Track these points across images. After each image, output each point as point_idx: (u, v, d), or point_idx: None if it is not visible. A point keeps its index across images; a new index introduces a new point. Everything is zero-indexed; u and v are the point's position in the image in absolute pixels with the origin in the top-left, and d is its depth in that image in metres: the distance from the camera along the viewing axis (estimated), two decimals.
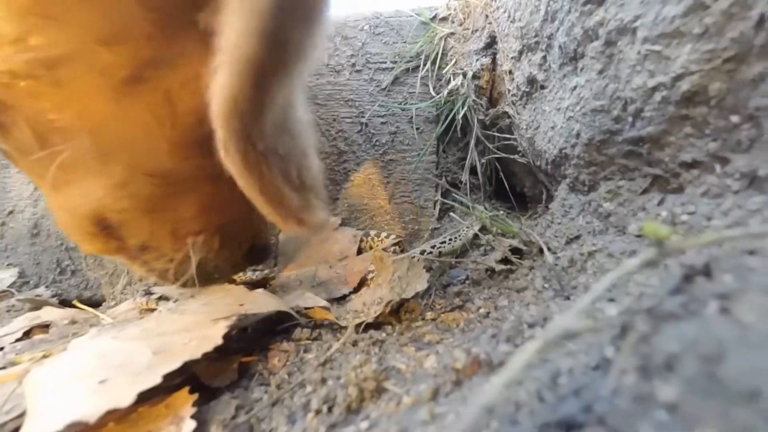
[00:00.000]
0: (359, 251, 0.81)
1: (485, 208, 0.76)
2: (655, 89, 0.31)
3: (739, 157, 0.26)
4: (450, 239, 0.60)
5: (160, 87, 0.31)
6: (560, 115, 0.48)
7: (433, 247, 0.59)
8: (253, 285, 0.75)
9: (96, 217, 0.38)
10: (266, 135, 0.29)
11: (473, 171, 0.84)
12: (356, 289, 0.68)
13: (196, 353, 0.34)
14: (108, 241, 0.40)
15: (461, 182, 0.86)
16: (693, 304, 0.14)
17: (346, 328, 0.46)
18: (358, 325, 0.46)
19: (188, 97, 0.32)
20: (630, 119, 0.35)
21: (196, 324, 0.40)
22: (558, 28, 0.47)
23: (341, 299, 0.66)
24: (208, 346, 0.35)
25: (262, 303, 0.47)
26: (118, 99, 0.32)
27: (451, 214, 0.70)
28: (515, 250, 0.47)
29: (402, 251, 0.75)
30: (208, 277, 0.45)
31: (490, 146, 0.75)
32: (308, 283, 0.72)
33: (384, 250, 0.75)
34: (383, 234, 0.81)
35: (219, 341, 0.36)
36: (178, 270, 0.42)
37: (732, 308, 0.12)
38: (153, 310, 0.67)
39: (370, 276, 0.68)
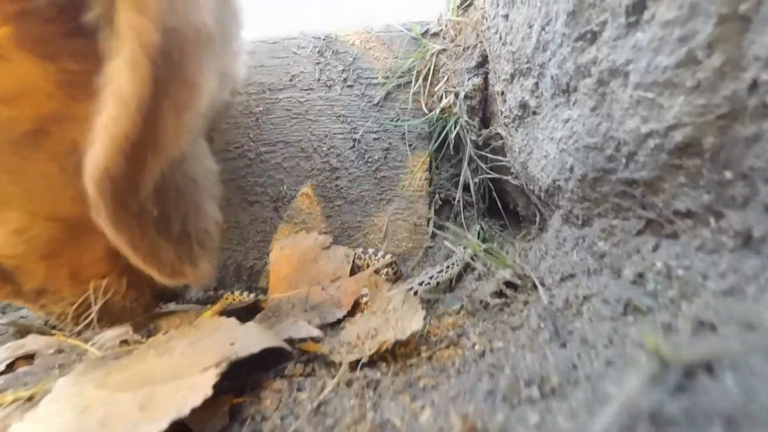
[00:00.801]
0: (354, 270, 0.80)
1: (480, 227, 0.75)
2: (648, 135, 0.31)
3: (734, 213, 0.26)
4: (447, 266, 0.60)
5: (66, 138, 0.32)
6: (553, 145, 0.48)
7: (431, 278, 0.58)
8: (245, 309, 0.74)
9: None
10: (140, 197, 0.32)
11: (466, 188, 0.83)
12: (350, 312, 0.67)
13: (184, 409, 0.33)
14: (2, 285, 0.41)
15: (454, 199, 0.85)
16: (698, 418, 0.13)
17: (340, 364, 0.46)
18: (352, 363, 0.45)
19: None
20: (623, 160, 0.35)
21: (185, 370, 0.39)
22: (550, 59, 0.47)
23: (335, 324, 0.65)
24: (197, 399, 0.34)
25: (253, 340, 0.46)
26: (18, 151, 0.33)
27: (445, 242, 0.70)
28: (509, 283, 0.46)
29: (396, 273, 0.75)
30: (115, 319, 0.46)
31: (484, 166, 0.75)
32: (301, 307, 0.71)
33: (377, 270, 0.74)
34: (380, 253, 0.80)
35: (209, 392, 0.35)
36: (78, 313, 0.43)
37: None
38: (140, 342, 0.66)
39: (364, 300, 0.68)
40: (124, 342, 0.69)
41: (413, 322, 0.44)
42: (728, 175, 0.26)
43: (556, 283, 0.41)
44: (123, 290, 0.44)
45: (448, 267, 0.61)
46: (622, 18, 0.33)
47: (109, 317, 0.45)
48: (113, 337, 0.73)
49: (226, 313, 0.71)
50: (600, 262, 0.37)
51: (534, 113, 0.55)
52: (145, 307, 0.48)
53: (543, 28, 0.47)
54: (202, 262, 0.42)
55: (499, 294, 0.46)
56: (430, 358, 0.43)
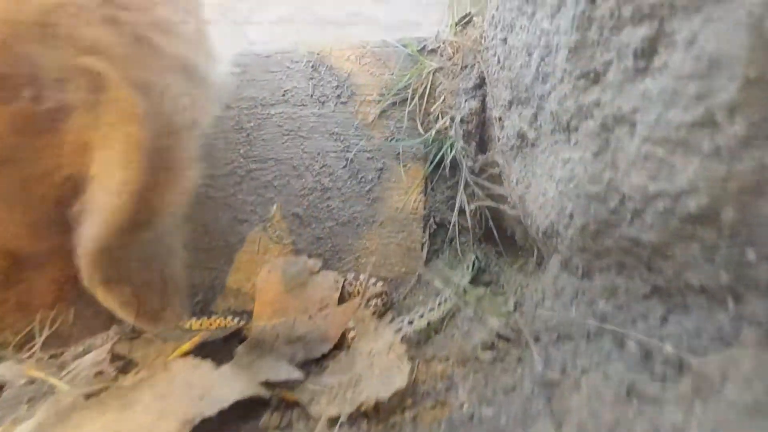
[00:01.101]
0: (344, 296, 0.77)
1: (476, 256, 0.72)
2: (657, 196, 0.28)
3: (757, 300, 0.22)
4: (439, 303, 0.57)
5: (16, 178, 0.33)
6: (552, 183, 0.44)
7: (420, 316, 0.55)
8: (227, 338, 0.71)
9: None
10: (128, 262, 0.35)
11: (462, 212, 0.80)
12: (337, 345, 0.64)
13: None
14: None
15: (450, 222, 0.82)
16: None
17: (319, 417, 0.42)
18: (331, 418, 0.42)
19: (46, 186, 0.35)
20: (628, 216, 0.31)
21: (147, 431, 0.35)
22: (550, 92, 0.43)
23: (320, 359, 0.62)
24: None
25: (226, 390, 0.43)
26: None
27: (436, 283, 0.67)
28: (501, 334, 0.43)
29: (385, 304, 0.71)
30: (60, 343, 0.49)
31: (480, 193, 0.71)
32: (286, 338, 0.68)
33: (366, 300, 0.71)
34: (371, 280, 0.77)
35: None
36: (23, 342, 0.46)
37: None
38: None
39: (350, 335, 0.64)
40: (100, 373, 0.66)
41: (397, 377, 0.41)
42: (750, 255, 0.23)
43: (552, 342, 0.38)
44: (71, 319, 0.45)
45: (439, 303, 0.57)
46: (629, 61, 0.29)
47: (54, 344, 0.47)
48: (89, 366, 0.69)
49: (208, 344, 0.68)
50: (602, 326, 0.34)
51: (532, 145, 0.52)
52: (92, 333, 0.50)
53: (543, 59, 0.44)
54: (176, 304, 0.43)
55: (491, 346, 0.43)
56: (414, 418, 0.39)
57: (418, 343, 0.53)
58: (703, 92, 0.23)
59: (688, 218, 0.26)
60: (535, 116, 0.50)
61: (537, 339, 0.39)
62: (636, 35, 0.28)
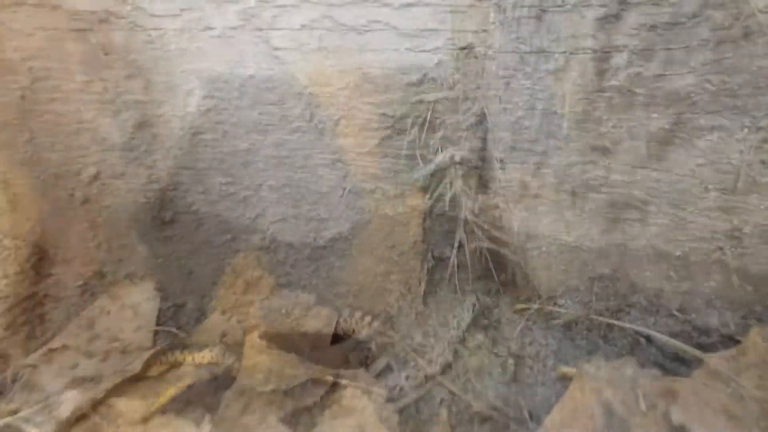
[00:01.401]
0: (338, 333, 0.74)
1: (477, 297, 0.70)
2: (672, 300, 0.25)
3: None
4: (438, 354, 0.54)
5: None
6: (555, 246, 0.42)
7: (417, 370, 0.53)
8: (215, 381, 0.68)
9: None
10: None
11: (461, 247, 0.77)
12: (329, 391, 0.62)
13: None
14: None
15: (448, 258, 0.79)
16: None
17: None
18: None
19: None
20: (639, 308, 0.29)
21: None
22: (555, 152, 0.41)
23: (311, 407, 0.60)
24: None
25: None
26: None
27: (433, 326, 0.64)
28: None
29: (379, 347, 0.69)
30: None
31: (480, 234, 0.69)
32: (275, 381, 0.66)
33: (359, 342, 0.69)
34: (366, 319, 0.74)
35: None
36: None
37: None
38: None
39: (343, 382, 0.62)
40: (81, 417, 0.63)
41: None
42: None
43: (555, 428, 0.35)
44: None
45: (438, 355, 0.55)
46: (641, 146, 0.27)
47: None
48: (71, 410, 0.66)
49: (195, 385, 0.66)
50: (609, 418, 0.31)
51: (535, 197, 0.49)
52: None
53: (546, 116, 0.41)
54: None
55: (489, 418, 0.40)
56: None
57: (412, 405, 0.50)
58: (729, 208, 0.20)
59: (710, 334, 0.23)
60: (539, 168, 0.47)
61: (538, 420, 0.37)
62: (650, 120, 0.26)
